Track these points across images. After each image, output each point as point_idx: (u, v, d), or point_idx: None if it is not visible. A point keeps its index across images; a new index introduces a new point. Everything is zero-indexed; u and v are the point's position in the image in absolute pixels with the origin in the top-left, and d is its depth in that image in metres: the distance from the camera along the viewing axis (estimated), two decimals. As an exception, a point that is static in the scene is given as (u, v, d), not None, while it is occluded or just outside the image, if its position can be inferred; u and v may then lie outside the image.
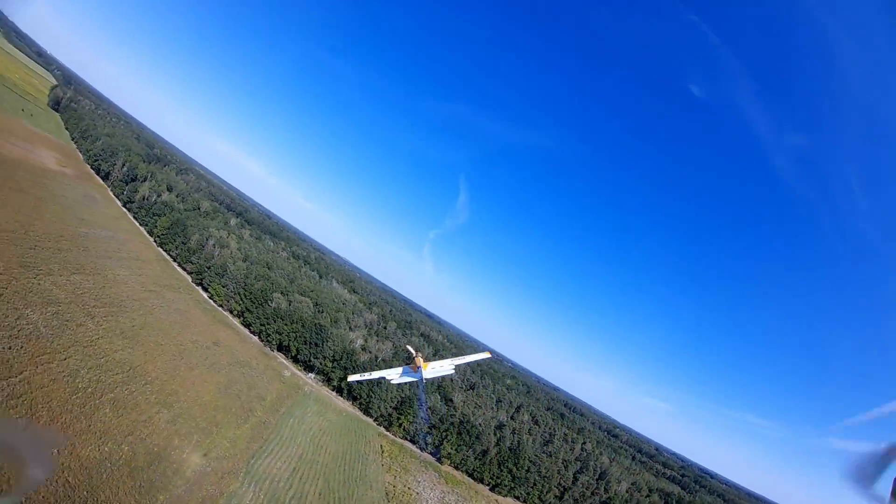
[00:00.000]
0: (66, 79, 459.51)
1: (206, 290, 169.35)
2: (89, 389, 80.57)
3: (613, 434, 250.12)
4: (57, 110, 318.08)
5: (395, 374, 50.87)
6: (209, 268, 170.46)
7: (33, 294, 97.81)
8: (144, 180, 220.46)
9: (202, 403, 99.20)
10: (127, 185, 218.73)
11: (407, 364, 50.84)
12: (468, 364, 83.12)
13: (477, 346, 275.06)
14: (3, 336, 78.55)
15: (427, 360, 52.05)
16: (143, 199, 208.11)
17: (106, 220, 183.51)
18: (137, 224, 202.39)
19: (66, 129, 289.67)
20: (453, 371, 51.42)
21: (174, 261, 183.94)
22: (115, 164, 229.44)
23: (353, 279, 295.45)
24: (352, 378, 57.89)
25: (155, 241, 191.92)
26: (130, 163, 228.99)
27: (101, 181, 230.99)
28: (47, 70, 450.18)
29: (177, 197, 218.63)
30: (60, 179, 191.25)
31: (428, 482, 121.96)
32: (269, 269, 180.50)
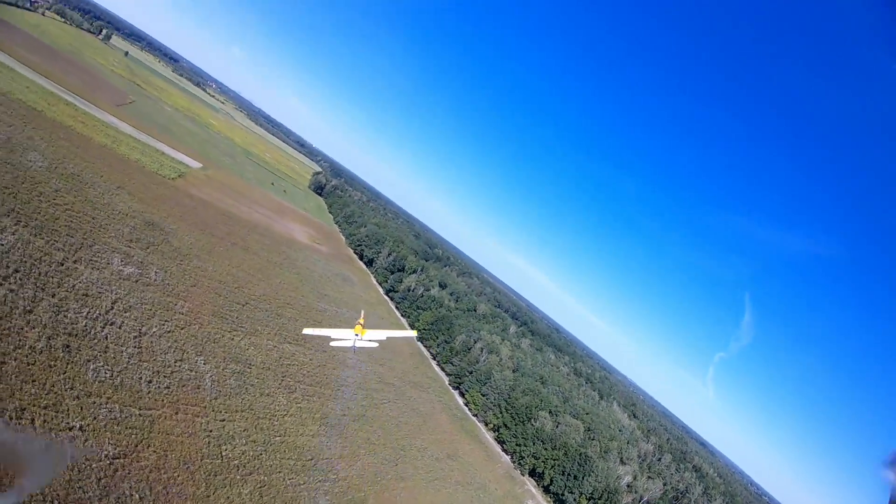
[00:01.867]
0: (335, 171, 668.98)
1: (462, 395, 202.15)
2: (235, 462, 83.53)
3: None
4: (320, 194, 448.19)
5: (340, 335, 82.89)
6: (471, 372, 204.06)
7: (216, 345, 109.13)
8: (413, 272, 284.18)
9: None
10: (392, 274, 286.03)
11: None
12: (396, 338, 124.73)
13: (738, 485, 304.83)
14: (149, 370, 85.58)
15: (370, 328, 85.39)
16: (409, 290, 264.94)
17: (358, 302, 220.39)
18: (398, 314, 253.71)
19: (330, 212, 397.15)
20: (384, 339, 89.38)
21: (433, 359, 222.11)
22: (380, 252, 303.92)
23: (634, 402, 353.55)
24: (306, 331, 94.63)
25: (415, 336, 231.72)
26: (399, 253, 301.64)
27: (363, 266, 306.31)
28: (312, 160, 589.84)
29: (450, 295, 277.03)
30: (309, 253, 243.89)
31: None
32: (542, 383, 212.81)
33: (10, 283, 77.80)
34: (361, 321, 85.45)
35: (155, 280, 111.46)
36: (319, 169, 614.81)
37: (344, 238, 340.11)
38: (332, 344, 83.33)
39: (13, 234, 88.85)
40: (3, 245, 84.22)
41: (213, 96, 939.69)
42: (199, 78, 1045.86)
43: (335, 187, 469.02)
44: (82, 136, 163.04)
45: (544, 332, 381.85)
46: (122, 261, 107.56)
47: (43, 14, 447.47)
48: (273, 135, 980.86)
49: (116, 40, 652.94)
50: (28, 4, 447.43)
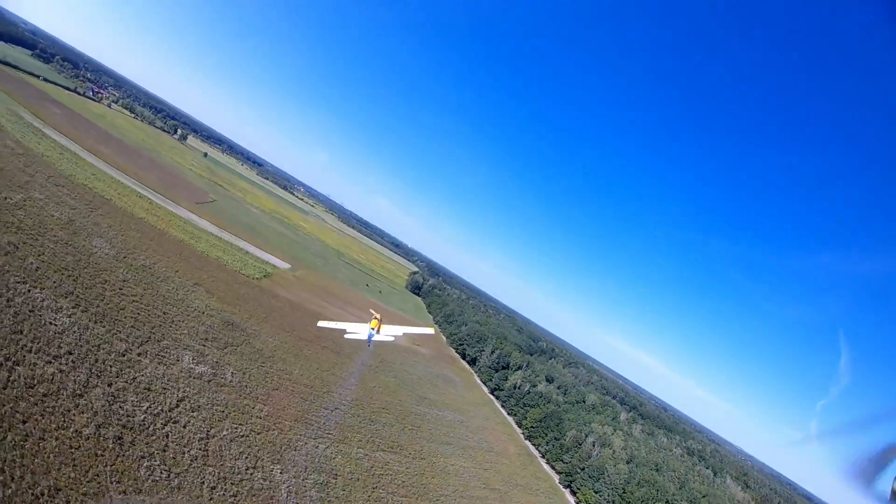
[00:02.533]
0: (432, 270, 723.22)
1: (574, 493, 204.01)
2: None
3: None
4: (418, 294, 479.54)
5: (355, 329, 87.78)
6: (583, 469, 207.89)
7: (296, 453, 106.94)
8: (518, 368, 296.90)
9: None
10: (497, 371, 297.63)
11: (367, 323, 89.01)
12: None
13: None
14: (214, 476, 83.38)
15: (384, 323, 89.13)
16: (514, 387, 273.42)
17: (461, 403, 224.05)
18: (504, 413, 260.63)
19: (429, 312, 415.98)
20: (400, 335, 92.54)
21: (542, 457, 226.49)
22: (483, 350, 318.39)
23: (746, 471, 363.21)
24: (321, 323, 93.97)
25: (522, 434, 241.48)
26: (502, 350, 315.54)
27: (466, 365, 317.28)
28: (408, 260, 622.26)
29: (557, 388, 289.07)
30: (407, 355, 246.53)
31: None
32: (657, 471, 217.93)
33: (59, 363, 78.71)
34: (378, 316, 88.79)
35: (231, 381, 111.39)
36: (416, 269, 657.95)
37: (445, 338, 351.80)
38: (347, 336, 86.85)
39: (69, 316, 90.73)
40: (56, 325, 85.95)
41: (302, 199, 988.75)
42: (285, 181, 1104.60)
43: (433, 286, 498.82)
44: (156, 230, 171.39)
45: (653, 414, 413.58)
46: (193, 359, 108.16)
47: (109, 106, 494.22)
48: (367, 236, 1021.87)
49: (194, 141, 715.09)
50: (90, 93, 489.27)
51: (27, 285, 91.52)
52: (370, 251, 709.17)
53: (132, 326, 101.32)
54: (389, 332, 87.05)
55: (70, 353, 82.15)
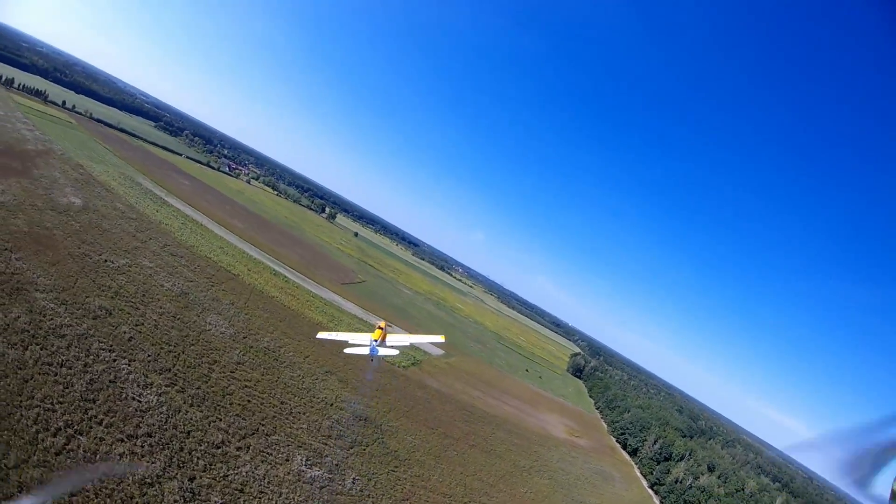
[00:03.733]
0: (593, 350, 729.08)
1: None
2: None
3: None
4: (579, 377, 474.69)
5: (357, 341, 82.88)
6: None
7: None
8: (681, 459, 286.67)
9: None
10: (658, 464, 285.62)
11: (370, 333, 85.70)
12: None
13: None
14: None
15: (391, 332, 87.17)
16: (676, 481, 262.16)
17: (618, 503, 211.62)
18: None
19: (590, 396, 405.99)
20: (407, 345, 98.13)
21: None
22: (645, 440, 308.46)
23: None
24: (321, 335, 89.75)
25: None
26: (665, 438, 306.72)
27: (626, 457, 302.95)
28: (569, 339, 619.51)
29: (718, 478, 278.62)
30: (565, 450, 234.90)
31: None
32: None
33: (133, 443, 75.41)
34: (383, 325, 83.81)
35: (350, 488, 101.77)
36: (577, 349, 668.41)
37: (605, 426, 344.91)
38: (347, 350, 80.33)
39: (160, 394, 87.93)
40: (140, 402, 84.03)
41: (461, 280, 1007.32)
42: (442, 262, 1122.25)
43: (594, 368, 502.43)
44: (289, 310, 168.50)
45: (802, 490, 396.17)
46: (306, 460, 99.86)
47: (248, 182, 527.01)
48: (527, 317, 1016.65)
49: (343, 220, 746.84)
50: (226, 169, 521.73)
51: (113, 353, 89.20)
52: (530, 332, 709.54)
53: (238, 415, 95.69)
54: (395, 343, 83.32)
55: (149, 436, 78.50)
